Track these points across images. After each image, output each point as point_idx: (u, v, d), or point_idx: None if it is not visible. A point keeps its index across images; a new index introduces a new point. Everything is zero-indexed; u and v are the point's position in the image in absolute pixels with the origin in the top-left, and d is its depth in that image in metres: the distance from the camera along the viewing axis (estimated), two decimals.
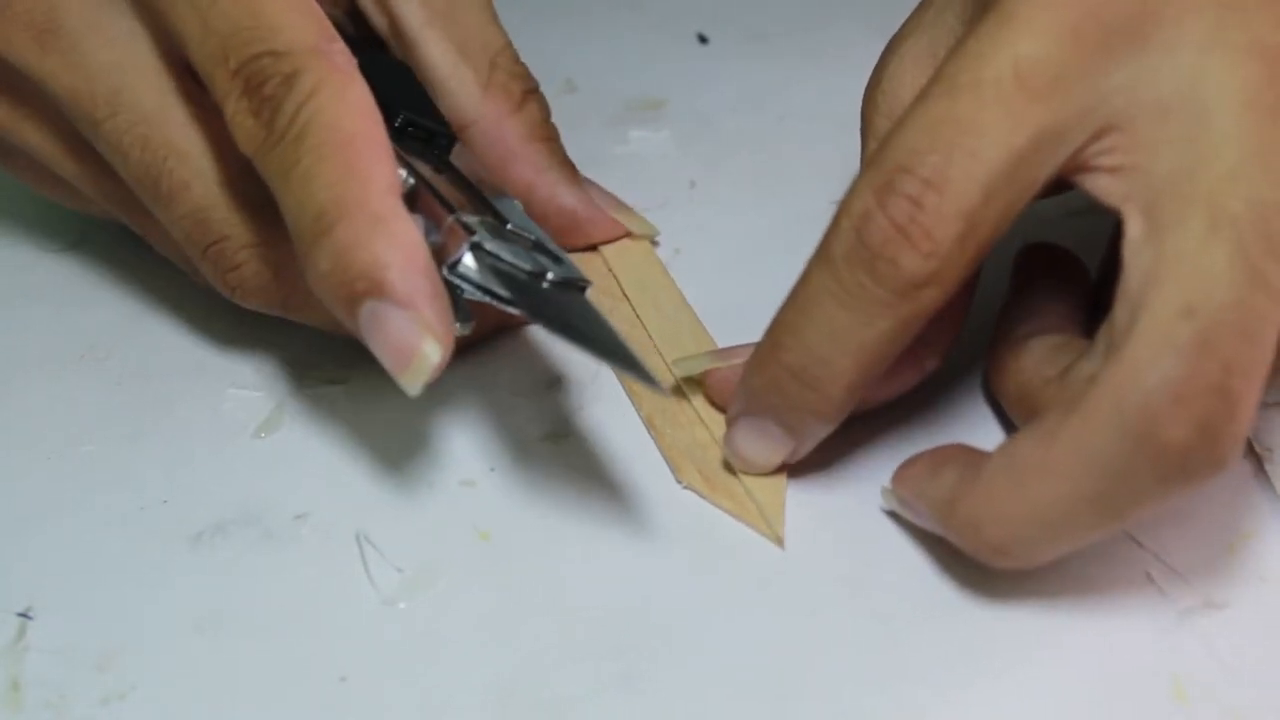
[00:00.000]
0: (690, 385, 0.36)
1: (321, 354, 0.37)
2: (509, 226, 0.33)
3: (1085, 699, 0.29)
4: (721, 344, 0.37)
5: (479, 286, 0.31)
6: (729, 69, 0.47)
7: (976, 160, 0.28)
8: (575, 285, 0.32)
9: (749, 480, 0.33)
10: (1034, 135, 0.28)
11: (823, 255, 0.30)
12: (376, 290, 0.29)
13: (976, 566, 0.31)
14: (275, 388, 0.36)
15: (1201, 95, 0.28)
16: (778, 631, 0.31)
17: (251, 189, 0.33)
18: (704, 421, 0.35)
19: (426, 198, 0.33)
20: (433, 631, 0.31)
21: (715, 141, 0.44)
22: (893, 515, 0.33)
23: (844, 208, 0.30)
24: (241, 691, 0.30)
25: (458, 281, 0.31)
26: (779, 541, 0.32)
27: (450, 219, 0.32)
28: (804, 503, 0.33)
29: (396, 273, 0.29)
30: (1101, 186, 0.29)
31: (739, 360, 0.33)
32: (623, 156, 0.44)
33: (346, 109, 0.30)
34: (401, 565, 0.32)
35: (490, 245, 0.31)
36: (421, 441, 0.35)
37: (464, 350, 0.36)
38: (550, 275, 0.31)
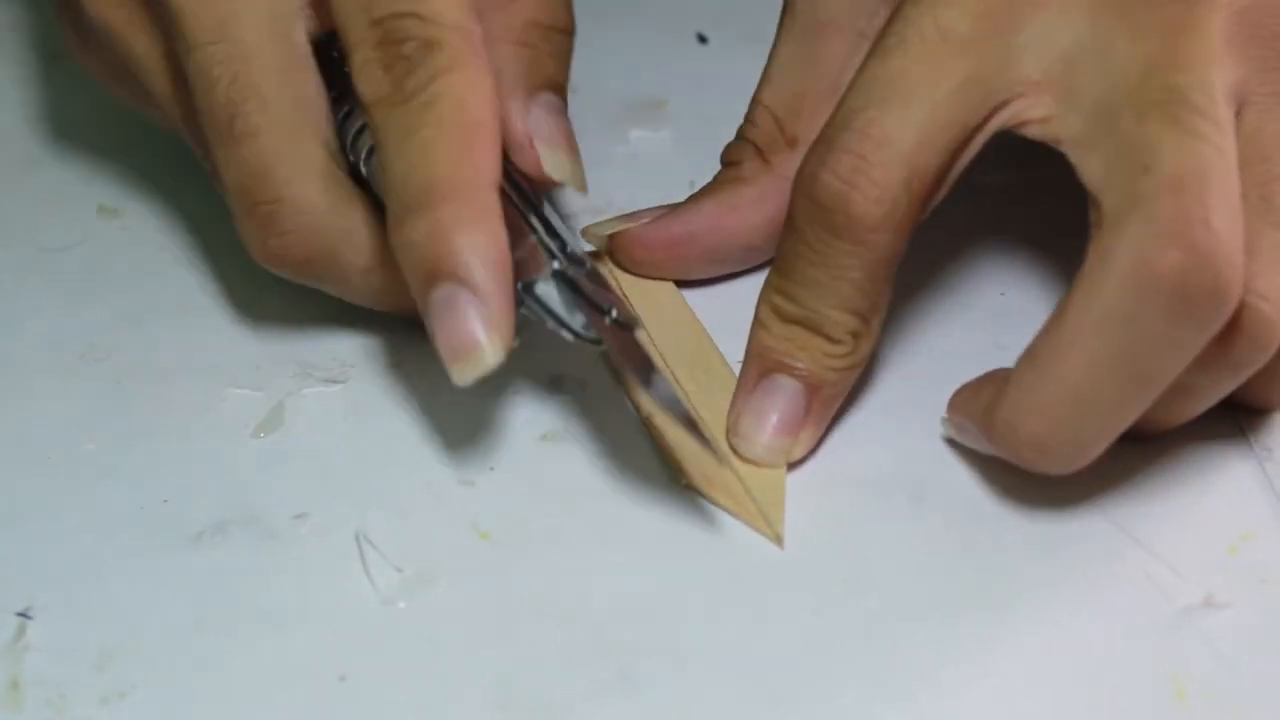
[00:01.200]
0: (698, 392, 0.35)
1: (321, 354, 0.37)
2: (569, 249, 0.33)
3: (1085, 699, 0.29)
4: (721, 348, 0.37)
5: (548, 311, 0.32)
6: (729, 69, 0.47)
7: (908, 108, 0.31)
8: (630, 325, 0.32)
9: (749, 479, 0.33)
10: (959, 82, 0.31)
11: (788, 225, 0.33)
12: (462, 276, 0.30)
13: (976, 567, 0.31)
14: (275, 388, 0.36)
15: (1098, 38, 0.31)
16: (778, 632, 0.31)
17: (322, 159, 0.34)
18: (704, 421, 0.35)
19: (509, 210, 0.33)
20: (432, 631, 0.31)
21: (715, 141, 0.44)
22: (891, 515, 0.33)
23: (796, 177, 0.32)
24: (241, 691, 0.30)
25: (528, 300, 0.32)
26: (779, 540, 0.32)
27: (533, 239, 0.33)
28: (804, 503, 0.33)
29: (486, 267, 0.30)
30: (1038, 133, 0.32)
31: (646, 220, 0.38)
32: (623, 156, 0.44)
33: (476, 93, 0.31)
34: (401, 565, 0.32)
35: (571, 273, 0.32)
36: (421, 441, 0.35)
37: None
38: (614, 314, 0.32)
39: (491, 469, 0.34)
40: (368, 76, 0.32)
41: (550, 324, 0.32)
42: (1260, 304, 0.30)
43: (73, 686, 0.30)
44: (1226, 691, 0.29)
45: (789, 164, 0.36)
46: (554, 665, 0.30)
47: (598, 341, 0.32)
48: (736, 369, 0.35)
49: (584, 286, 0.32)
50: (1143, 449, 0.34)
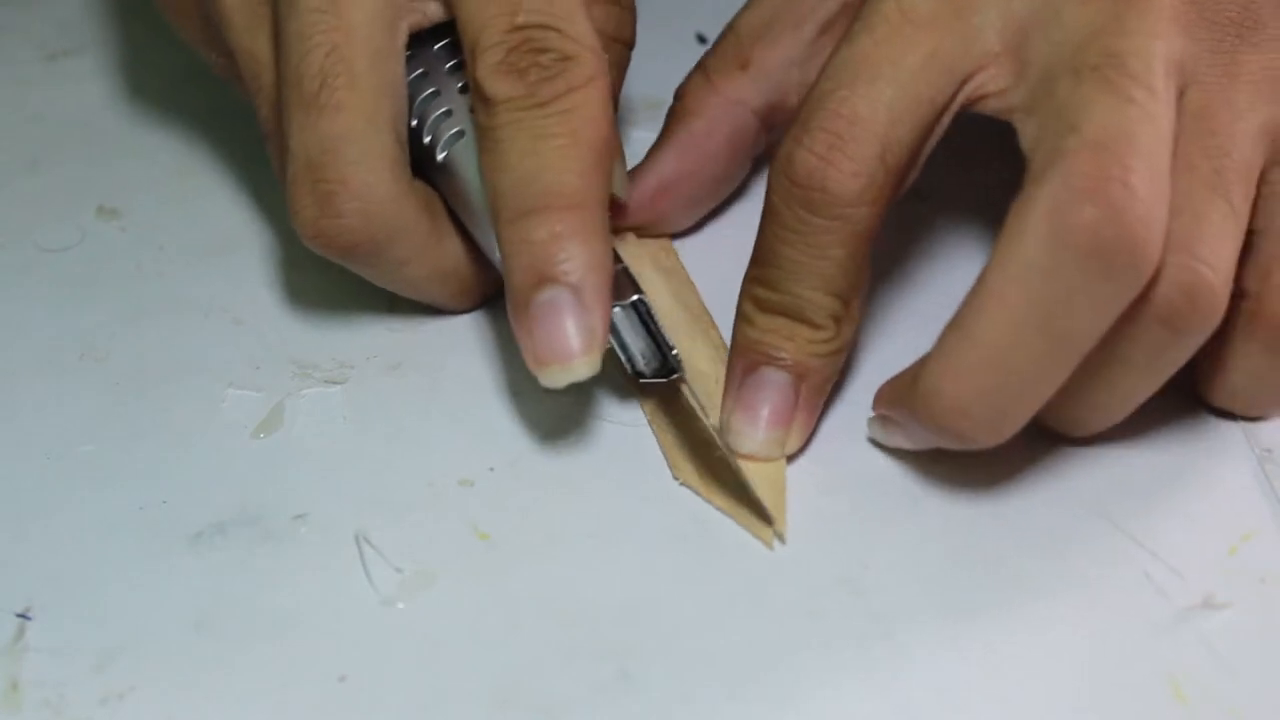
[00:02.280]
0: (698, 374, 0.36)
1: (321, 354, 0.37)
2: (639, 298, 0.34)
3: (1085, 699, 0.29)
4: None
5: (618, 339, 0.34)
6: None
7: (877, 86, 0.31)
8: (677, 370, 0.34)
9: (750, 475, 0.33)
10: (923, 56, 0.32)
11: (767, 207, 0.33)
12: (574, 283, 0.32)
13: (975, 567, 0.31)
14: (275, 388, 0.36)
15: (1049, 4, 0.31)
16: (776, 632, 0.31)
17: (393, 150, 0.34)
18: (706, 418, 0.35)
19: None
20: (431, 632, 0.31)
21: None
22: (891, 515, 0.33)
23: (773, 160, 0.32)
24: (240, 691, 0.30)
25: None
26: (781, 537, 0.32)
27: (620, 267, 0.34)
28: (804, 503, 0.33)
29: (598, 279, 0.32)
30: (993, 107, 0.32)
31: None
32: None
33: (606, 114, 0.33)
34: (400, 565, 0.32)
35: (646, 305, 0.34)
36: (421, 441, 0.35)
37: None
38: (674, 351, 0.34)
39: (491, 469, 0.34)
40: (497, 77, 0.33)
41: (622, 354, 0.34)
42: (1203, 269, 0.30)
43: (72, 686, 0.30)
44: (1226, 692, 0.29)
45: (736, 87, 0.38)
46: (554, 665, 0.30)
47: (646, 376, 0.34)
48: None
49: (653, 321, 0.34)
50: (1143, 449, 0.34)
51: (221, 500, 0.33)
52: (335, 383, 0.36)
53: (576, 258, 0.32)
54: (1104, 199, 0.28)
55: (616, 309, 0.34)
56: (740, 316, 0.34)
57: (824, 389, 0.34)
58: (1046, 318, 0.29)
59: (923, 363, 0.31)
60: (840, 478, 0.34)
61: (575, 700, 0.29)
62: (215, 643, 0.31)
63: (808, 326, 0.33)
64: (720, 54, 0.39)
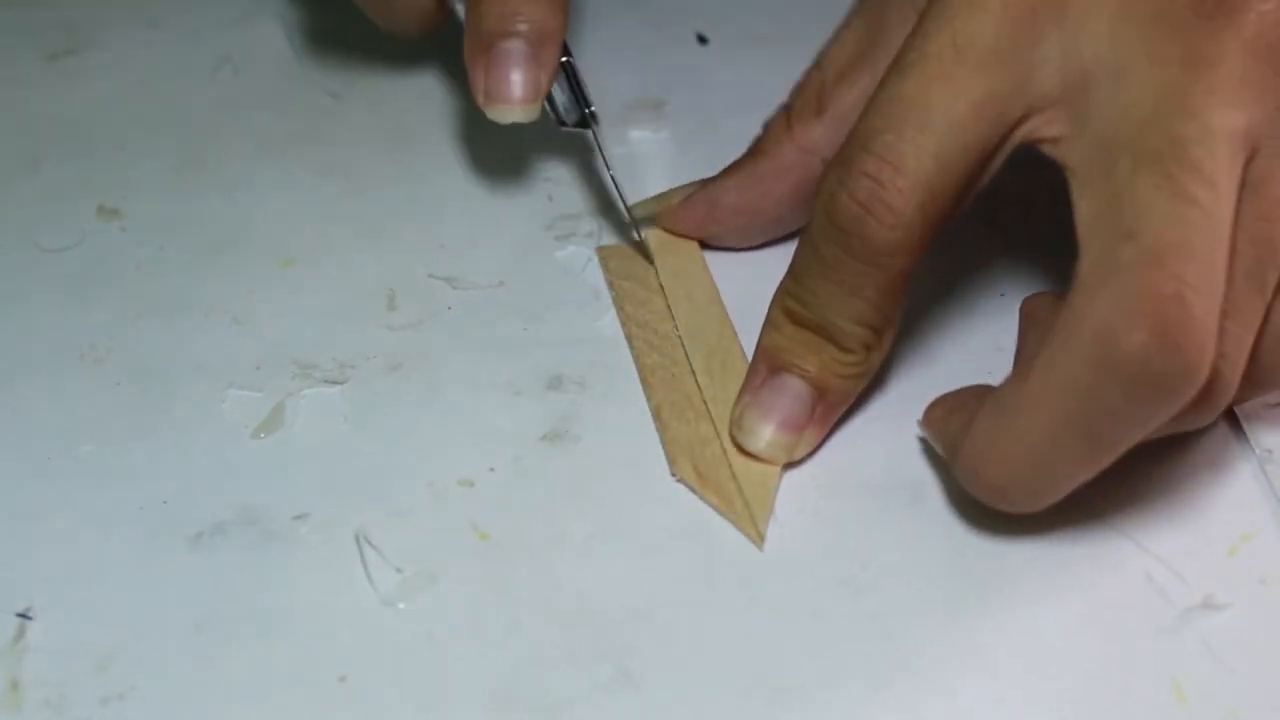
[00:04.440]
0: (709, 372, 0.36)
1: (321, 354, 0.37)
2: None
3: (1085, 699, 0.29)
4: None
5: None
6: (729, 69, 0.47)
7: (925, 132, 0.31)
8: (590, 125, 0.40)
9: (742, 477, 0.33)
10: (975, 102, 0.31)
11: (805, 235, 0.33)
12: (532, 41, 0.38)
13: (975, 567, 0.31)
14: (275, 388, 0.36)
15: (1117, 57, 0.30)
16: (777, 632, 0.31)
17: None
18: (711, 416, 0.35)
19: None
20: (432, 632, 0.31)
21: (715, 142, 0.44)
22: (891, 515, 0.33)
23: (818, 190, 0.32)
24: (241, 691, 0.30)
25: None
26: (760, 540, 0.32)
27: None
28: (804, 503, 0.33)
29: (550, 41, 0.38)
30: (1048, 150, 0.31)
31: (680, 197, 0.40)
32: (623, 156, 0.44)
33: None
34: (401, 565, 0.32)
35: (574, 68, 0.40)
36: (421, 441, 0.35)
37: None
38: (592, 108, 0.40)
39: (491, 469, 0.34)
40: None
41: (556, 102, 0.40)
42: (1227, 370, 0.29)
43: (73, 687, 0.30)
44: (1226, 693, 0.29)
45: (811, 135, 0.38)
46: (554, 665, 0.30)
47: (567, 125, 0.40)
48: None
49: (578, 82, 0.40)
50: (1143, 450, 0.34)
51: (221, 500, 0.33)
52: (335, 383, 0.36)
53: (537, 20, 0.38)
54: (1157, 323, 0.27)
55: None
56: (769, 322, 0.34)
57: (840, 408, 0.34)
58: (1087, 428, 0.29)
59: (965, 427, 0.31)
60: (840, 478, 0.34)
61: (575, 700, 0.29)
62: (215, 643, 0.31)
63: (836, 348, 0.33)
64: (803, 94, 0.39)
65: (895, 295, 0.32)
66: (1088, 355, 0.28)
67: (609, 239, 0.41)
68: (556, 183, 0.43)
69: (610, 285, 0.39)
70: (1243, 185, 0.29)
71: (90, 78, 0.47)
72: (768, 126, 0.39)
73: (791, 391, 0.33)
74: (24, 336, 0.38)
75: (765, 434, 0.33)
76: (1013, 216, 0.40)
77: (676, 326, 0.38)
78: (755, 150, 0.39)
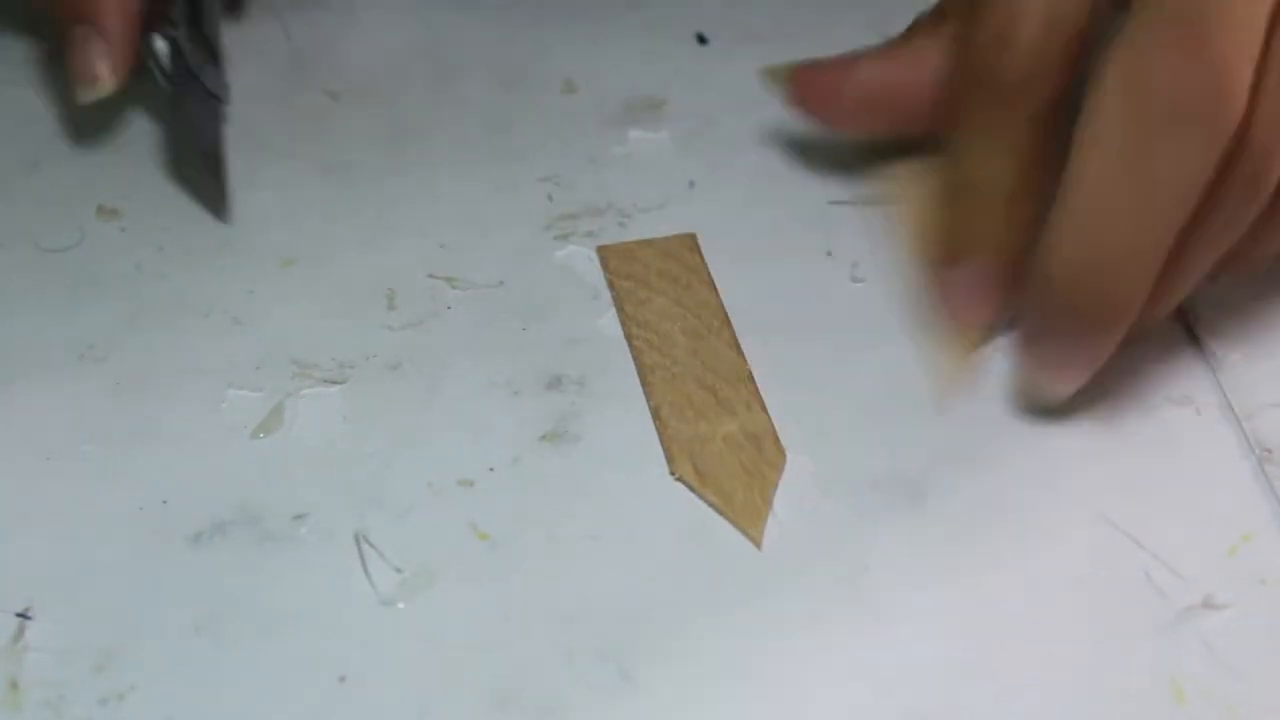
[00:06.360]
0: (707, 373, 0.36)
1: (321, 354, 0.37)
2: (198, 29, 0.41)
3: (1084, 699, 0.29)
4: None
5: (157, 64, 0.41)
6: (729, 69, 0.47)
7: None
8: (216, 95, 0.41)
9: (741, 476, 0.33)
10: None
11: (949, 99, 0.36)
12: (102, 25, 0.40)
13: (975, 567, 0.31)
14: (275, 388, 0.36)
15: None
16: (777, 633, 0.31)
17: None
18: (710, 417, 0.35)
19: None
20: (431, 632, 0.31)
21: (715, 141, 0.44)
22: (891, 515, 0.33)
23: (954, 45, 0.35)
24: (240, 691, 0.30)
25: (144, 49, 0.41)
26: (758, 540, 0.32)
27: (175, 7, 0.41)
28: (802, 504, 0.33)
29: (116, 16, 0.40)
30: None
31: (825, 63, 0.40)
32: (622, 156, 0.44)
33: None
34: (400, 565, 0.32)
35: (183, 42, 0.41)
36: (420, 441, 0.35)
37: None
38: (204, 79, 0.41)
39: (491, 469, 0.34)
40: None
41: (158, 76, 0.41)
42: (1253, 126, 0.30)
43: (72, 687, 0.30)
44: (1225, 693, 0.29)
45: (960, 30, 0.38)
46: (554, 665, 0.30)
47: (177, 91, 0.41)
48: (751, 366, 0.35)
49: (186, 51, 0.40)
50: (1143, 449, 0.34)
51: (221, 500, 0.33)
52: (335, 383, 0.36)
53: (105, 4, 0.40)
54: (1190, 51, 0.29)
55: (159, 40, 0.41)
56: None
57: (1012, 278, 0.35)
58: (1137, 177, 0.30)
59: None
60: (840, 478, 0.34)
61: (575, 700, 0.29)
62: (215, 643, 0.31)
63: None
64: None
65: (1039, 139, 0.33)
66: (1123, 91, 0.29)
67: (609, 239, 0.41)
68: (556, 183, 0.43)
69: (610, 285, 0.39)
70: None
71: None
72: (918, 20, 0.39)
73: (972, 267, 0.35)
74: (24, 336, 0.38)
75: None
76: None
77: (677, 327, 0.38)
78: (901, 37, 0.39)
